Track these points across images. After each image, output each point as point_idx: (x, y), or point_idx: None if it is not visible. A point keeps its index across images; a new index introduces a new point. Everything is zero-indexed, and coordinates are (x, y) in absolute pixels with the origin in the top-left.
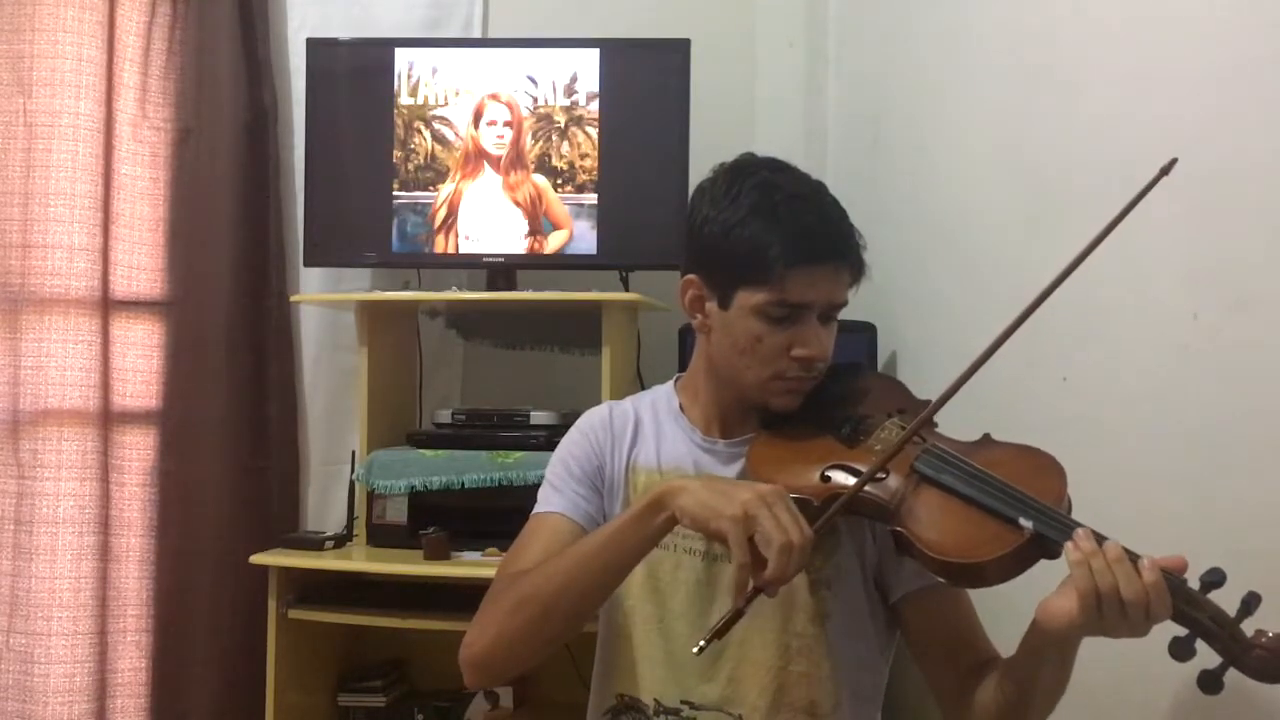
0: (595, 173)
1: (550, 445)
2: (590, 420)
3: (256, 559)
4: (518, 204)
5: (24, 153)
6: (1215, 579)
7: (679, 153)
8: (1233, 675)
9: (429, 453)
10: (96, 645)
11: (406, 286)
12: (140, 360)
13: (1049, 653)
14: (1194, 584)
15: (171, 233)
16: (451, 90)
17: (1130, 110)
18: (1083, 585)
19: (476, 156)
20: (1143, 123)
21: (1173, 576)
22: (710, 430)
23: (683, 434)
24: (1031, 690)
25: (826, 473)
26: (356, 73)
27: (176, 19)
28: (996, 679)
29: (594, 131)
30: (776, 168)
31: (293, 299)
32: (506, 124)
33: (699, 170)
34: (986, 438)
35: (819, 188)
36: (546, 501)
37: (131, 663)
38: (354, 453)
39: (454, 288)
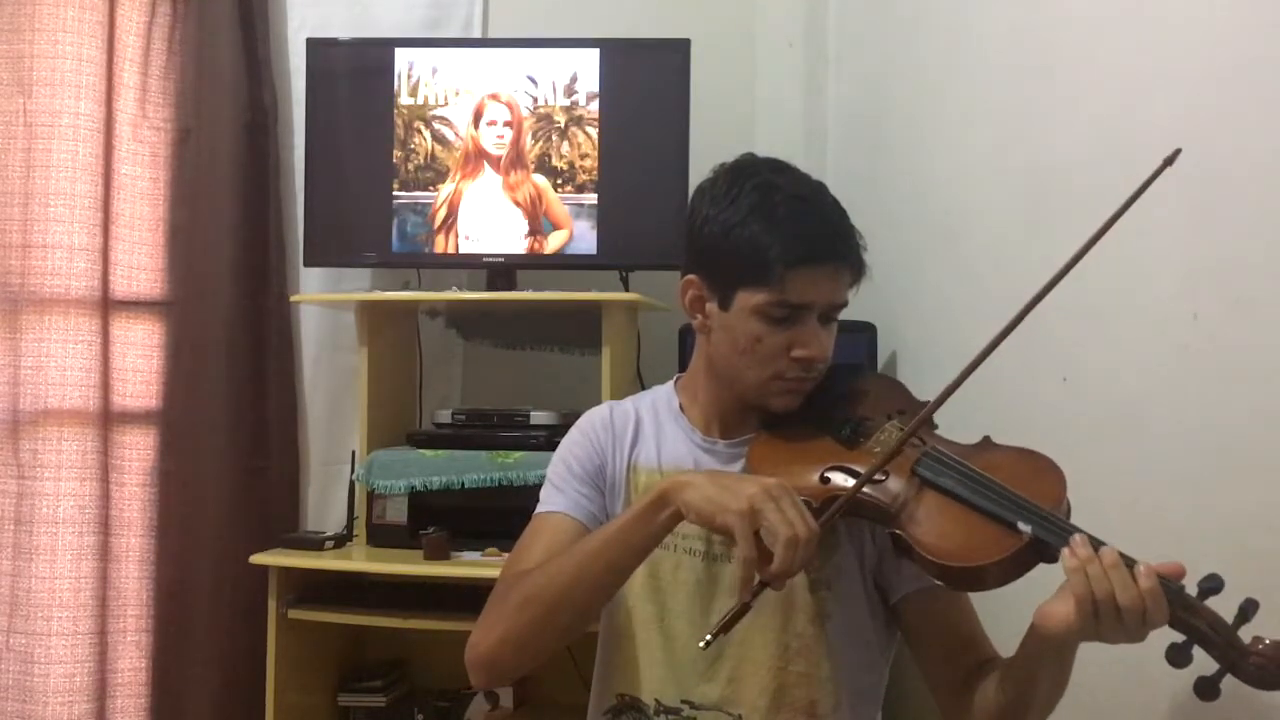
0: (595, 173)
1: (550, 445)
2: (591, 420)
3: (256, 559)
4: (518, 204)
5: (24, 153)
6: (1213, 586)
7: (679, 153)
8: (1230, 682)
9: (429, 453)
10: (96, 645)
11: (406, 286)
12: (140, 360)
13: (1047, 656)
14: (1192, 590)
15: (171, 233)
16: (451, 90)
17: (1130, 111)
18: (1079, 592)
19: (476, 156)
20: (1143, 123)
21: (1170, 583)
22: (710, 430)
23: (683, 434)
24: (1030, 693)
25: (826, 474)
26: (356, 73)
27: (176, 19)
28: (996, 680)
29: (594, 131)
30: (777, 168)
31: (293, 299)
32: (506, 124)
33: (699, 170)
34: (986, 440)
35: (819, 188)
36: (549, 501)
37: (131, 663)
38: (354, 453)
39: (454, 288)
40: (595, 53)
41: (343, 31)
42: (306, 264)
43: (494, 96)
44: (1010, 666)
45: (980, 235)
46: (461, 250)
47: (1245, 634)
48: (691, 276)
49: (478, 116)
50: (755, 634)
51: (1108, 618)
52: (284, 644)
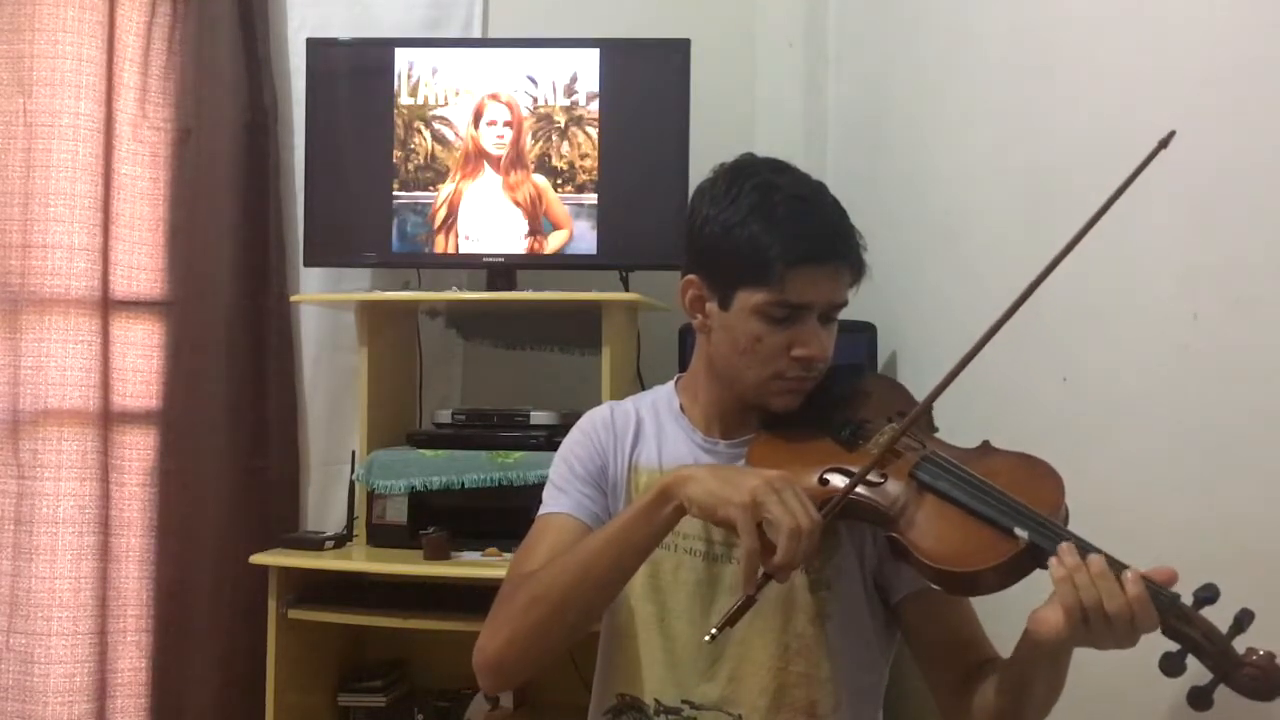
0: (595, 173)
1: (550, 445)
2: (592, 420)
3: (256, 559)
4: (518, 204)
5: (24, 153)
6: (1208, 595)
7: (679, 153)
8: (1224, 692)
9: (429, 453)
10: (96, 645)
11: (406, 286)
12: (140, 360)
13: (1040, 661)
14: (1187, 599)
15: (171, 233)
16: (451, 90)
17: (1130, 111)
18: (1067, 600)
19: (476, 156)
20: (1142, 123)
21: (1165, 592)
22: (710, 430)
23: (683, 434)
24: (1026, 696)
25: (825, 475)
26: (356, 73)
27: (176, 19)
28: (994, 682)
29: (594, 131)
30: (776, 168)
31: (293, 299)
32: (506, 124)
33: (699, 170)
34: (986, 445)
35: (819, 188)
36: (552, 503)
37: (131, 663)
38: (354, 453)
39: (454, 288)
40: (595, 53)
41: (343, 31)
42: (306, 264)
43: (494, 96)
44: (1005, 670)
45: (980, 235)
46: (461, 250)
47: (1239, 645)
48: (691, 276)
49: (478, 116)
50: (755, 634)
51: (1097, 625)
52: (284, 644)
